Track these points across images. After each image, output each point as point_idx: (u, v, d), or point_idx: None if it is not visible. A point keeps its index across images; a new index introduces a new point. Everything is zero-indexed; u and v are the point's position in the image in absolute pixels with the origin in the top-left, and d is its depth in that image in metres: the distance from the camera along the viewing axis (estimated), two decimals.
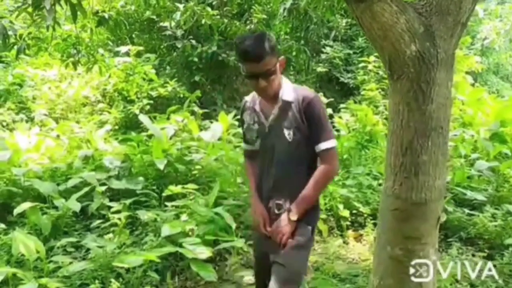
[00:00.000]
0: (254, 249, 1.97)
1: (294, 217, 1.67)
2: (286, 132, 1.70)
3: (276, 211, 1.74)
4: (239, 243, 2.93)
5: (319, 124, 1.70)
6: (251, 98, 1.84)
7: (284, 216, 1.69)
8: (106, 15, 4.36)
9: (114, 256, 2.62)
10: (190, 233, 3.00)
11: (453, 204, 3.74)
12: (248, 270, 2.83)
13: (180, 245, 2.79)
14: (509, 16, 13.99)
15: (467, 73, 12.58)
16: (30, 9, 3.29)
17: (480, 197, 3.84)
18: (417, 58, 1.75)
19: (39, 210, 3.17)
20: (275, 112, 1.72)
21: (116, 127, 6.44)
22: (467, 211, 3.65)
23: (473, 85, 11.53)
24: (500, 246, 3.14)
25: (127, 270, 2.63)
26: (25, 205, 3.09)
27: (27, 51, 4.15)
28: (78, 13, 3.19)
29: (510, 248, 3.02)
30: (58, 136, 5.15)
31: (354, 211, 3.77)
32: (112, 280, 2.40)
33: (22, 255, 2.62)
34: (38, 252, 2.61)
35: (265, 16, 6.91)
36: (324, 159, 1.73)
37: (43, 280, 2.37)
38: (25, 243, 2.47)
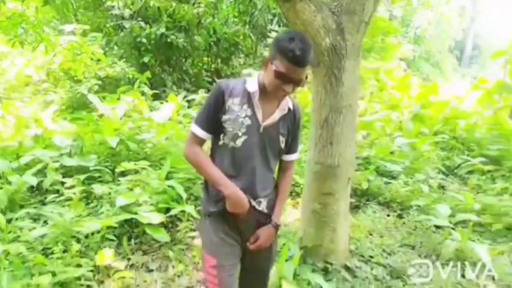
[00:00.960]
0: (222, 249, 1.67)
1: (279, 230, 1.73)
2: (281, 138, 1.65)
3: (257, 207, 1.67)
4: (190, 209, 3.27)
5: (298, 136, 1.75)
6: (241, 83, 1.62)
7: (271, 230, 1.69)
8: None
9: (73, 223, 2.86)
10: (143, 203, 3.30)
11: (375, 174, 4.34)
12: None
13: (135, 214, 3.09)
14: (440, 6, 15.26)
15: (400, 59, 13.65)
16: None
17: (397, 168, 4.49)
18: (331, 49, 2.20)
19: None
20: (276, 117, 1.61)
21: (63, 107, 6.42)
22: (385, 179, 4.28)
23: (405, 71, 12.58)
24: (409, 207, 3.78)
25: (86, 236, 2.89)
26: None
27: None
28: None
29: (415, 208, 3.66)
30: (3, 115, 5.12)
31: (293, 183, 4.25)
32: (74, 243, 2.66)
33: None
34: None
35: (213, 0, 7.11)
36: (290, 167, 1.79)
37: (5, 246, 2.57)
38: None
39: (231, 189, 1.59)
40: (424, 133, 5.84)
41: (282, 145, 1.66)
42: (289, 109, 1.64)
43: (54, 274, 2.40)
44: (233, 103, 1.58)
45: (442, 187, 4.43)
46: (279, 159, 1.73)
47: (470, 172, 4.77)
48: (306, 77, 1.53)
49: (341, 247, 2.51)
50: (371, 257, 2.80)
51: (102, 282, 2.64)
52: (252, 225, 1.69)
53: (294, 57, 1.44)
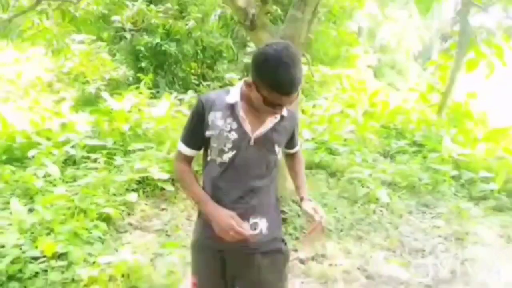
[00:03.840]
0: (202, 272, 1.61)
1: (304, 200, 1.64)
2: (277, 148, 1.52)
3: (251, 231, 1.49)
4: None
5: (297, 134, 1.71)
6: (222, 95, 1.50)
7: (314, 205, 1.59)
8: (77, 14, 5.66)
9: (106, 178, 4.12)
10: (154, 167, 4.58)
11: (326, 153, 5.73)
12: None
13: (149, 173, 4.37)
14: (403, 20, 16.98)
15: (368, 67, 15.27)
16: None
17: (345, 149, 5.90)
18: None
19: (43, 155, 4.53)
20: (269, 125, 1.48)
21: (73, 103, 7.62)
22: (333, 157, 5.67)
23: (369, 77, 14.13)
24: (344, 173, 5.16)
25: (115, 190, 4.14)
26: (35, 151, 4.44)
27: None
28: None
29: (348, 172, 5.05)
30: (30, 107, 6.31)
31: None
32: (111, 188, 3.92)
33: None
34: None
35: (200, 15, 8.46)
36: (297, 155, 1.79)
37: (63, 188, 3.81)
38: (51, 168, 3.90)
39: (211, 207, 1.48)
40: (372, 125, 7.29)
41: (277, 153, 1.54)
42: (281, 116, 1.51)
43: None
44: (216, 117, 1.46)
45: (375, 162, 5.84)
46: (275, 169, 1.58)
47: (401, 153, 6.21)
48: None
49: (289, 188, 3.87)
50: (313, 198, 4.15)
51: (129, 213, 3.91)
52: (244, 258, 1.54)
53: (283, 88, 1.29)
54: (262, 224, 1.52)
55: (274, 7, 7.12)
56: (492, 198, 4.58)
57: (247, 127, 1.46)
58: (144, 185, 4.46)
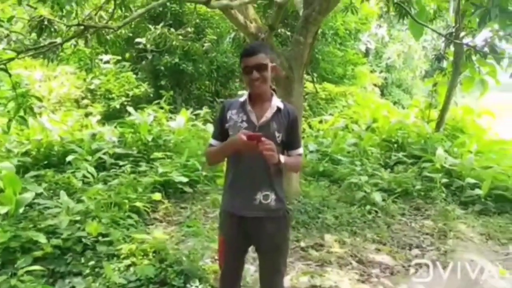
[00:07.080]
0: (228, 233, 2.05)
1: (282, 159, 1.87)
2: (277, 134, 1.91)
3: (264, 201, 1.93)
4: (205, 175, 5.17)
5: (298, 134, 2.05)
6: (238, 99, 2.02)
7: (274, 145, 1.81)
8: (108, 37, 6.39)
9: (134, 180, 4.73)
10: (174, 172, 5.18)
11: (329, 163, 6.28)
12: (212, 189, 5.09)
13: (171, 177, 4.98)
14: (407, 40, 17.60)
15: (375, 85, 15.81)
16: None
17: (344, 159, 6.44)
18: (286, 77, 4.18)
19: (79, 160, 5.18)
20: (268, 115, 1.92)
21: (99, 117, 8.33)
22: (335, 166, 6.20)
23: (380, 96, 14.66)
24: (342, 181, 5.66)
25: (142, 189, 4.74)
26: (72, 157, 5.09)
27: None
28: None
29: (348, 179, 5.56)
30: (63, 121, 7.02)
31: None
32: (139, 188, 4.53)
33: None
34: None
35: (215, 37, 9.20)
36: (298, 157, 2.07)
37: (98, 187, 4.43)
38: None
39: (228, 142, 1.94)
40: (374, 139, 7.81)
41: (278, 140, 1.91)
42: (278, 108, 1.95)
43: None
44: (232, 113, 1.97)
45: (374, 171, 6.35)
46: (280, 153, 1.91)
47: (399, 164, 6.71)
48: (267, 64, 1.90)
49: (293, 189, 4.42)
50: (314, 200, 4.68)
51: (153, 210, 4.49)
52: (257, 222, 1.96)
53: (244, 51, 1.94)
54: (272, 196, 1.93)
55: (283, 30, 7.80)
56: (479, 203, 5.05)
57: (253, 118, 1.94)
58: (166, 187, 5.06)
